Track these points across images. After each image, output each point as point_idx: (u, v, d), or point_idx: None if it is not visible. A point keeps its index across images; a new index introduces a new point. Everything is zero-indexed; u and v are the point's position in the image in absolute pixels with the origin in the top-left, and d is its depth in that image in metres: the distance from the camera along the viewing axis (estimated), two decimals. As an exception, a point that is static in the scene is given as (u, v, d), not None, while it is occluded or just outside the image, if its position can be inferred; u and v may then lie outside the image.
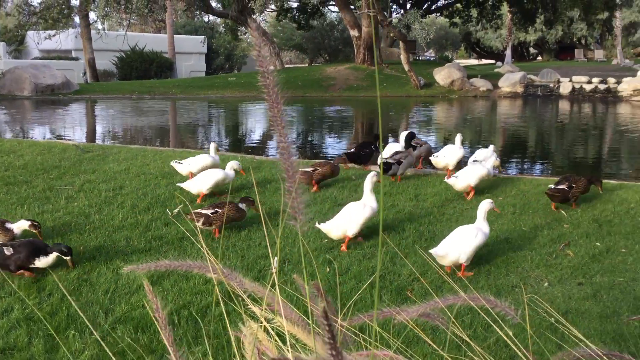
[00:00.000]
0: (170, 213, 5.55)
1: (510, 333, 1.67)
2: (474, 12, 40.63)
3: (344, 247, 4.83)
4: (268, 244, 4.29)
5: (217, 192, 6.27)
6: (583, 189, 5.94)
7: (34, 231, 4.69)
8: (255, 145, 13.13)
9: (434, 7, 39.63)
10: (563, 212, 5.77)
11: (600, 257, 4.58)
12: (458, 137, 7.61)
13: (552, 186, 5.90)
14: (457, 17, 41.84)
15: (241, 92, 26.91)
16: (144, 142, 12.68)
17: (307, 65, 61.08)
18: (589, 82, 26.78)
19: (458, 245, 4.31)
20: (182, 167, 6.80)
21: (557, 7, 35.55)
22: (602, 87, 26.26)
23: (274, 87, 0.87)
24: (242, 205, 5.18)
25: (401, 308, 1.55)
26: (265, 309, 1.45)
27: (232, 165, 6.31)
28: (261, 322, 1.44)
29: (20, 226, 4.68)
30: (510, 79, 27.82)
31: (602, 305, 3.76)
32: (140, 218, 5.47)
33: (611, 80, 26.37)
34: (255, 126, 17.21)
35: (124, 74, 37.13)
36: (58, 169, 7.36)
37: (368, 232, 5.20)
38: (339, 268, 4.41)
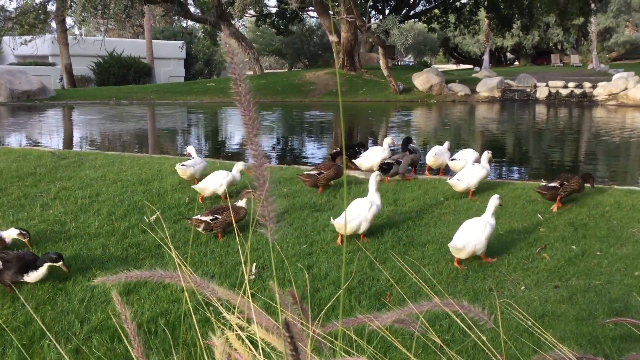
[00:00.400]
0: (147, 220, 5.50)
1: (484, 338, 1.68)
2: (452, 18, 41.06)
3: (339, 242, 5.09)
4: (248, 251, 4.27)
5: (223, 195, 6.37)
6: (577, 187, 6.12)
7: (23, 240, 4.62)
8: (234, 151, 13.08)
9: (412, 12, 39.94)
10: (539, 215, 5.83)
11: (576, 260, 4.64)
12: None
13: (543, 183, 6.22)
14: (435, 23, 42.25)
15: (220, 98, 26.81)
16: (121, 148, 12.57)
17: (286, 70, 61.09)
18: (565, 87, 27.15)
19: (473, 237, 4.57)
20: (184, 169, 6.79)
21: (533, 13, 36.05)
22: (578, 91, 26.65)
23: (246, 95, 0.87)
24: (242, 202, 5.26)
25: (375, 315, 1.55)
26: (239, 317, 1.44)
27: (238, 167, 6.48)
28: (234, 330, 1.43)
29: (10, 234, 4.61)
30: (488, 83, 28.12)
31: (578, 308, 3.80)
32: (117, 225, 5.41)
33: (587, 84, 26.77)
34: (234, 132, 17.15)
35: (101, 79, 36.83)
36: (33, 176, 7.26)
37: (350, 237, 5.21)
38: (318, 274, 4.41)
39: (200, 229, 5.06)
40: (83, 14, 28.35)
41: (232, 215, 5.04)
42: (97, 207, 5.98)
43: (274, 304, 1.65)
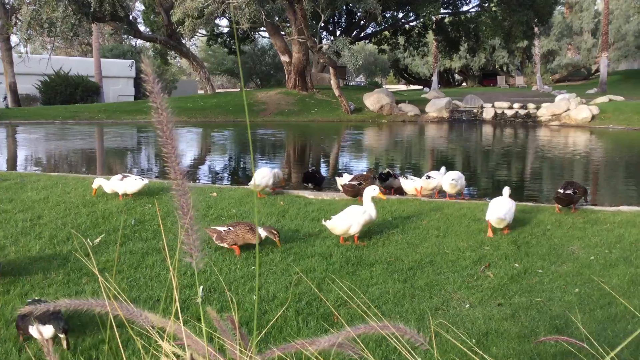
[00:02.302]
0: (91, 243, 5.37)
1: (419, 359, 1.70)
2: (401, 40, 41.91)
3: (342, 241, 5.66)
4: (197, 278, 4.21)
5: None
6: (583, 193, 7.03)
7: None
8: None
9: (362, 34, 40.55)
10: (484, 234, 5.96)
11: (519, 278, 4.74)
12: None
13: (561, 191, 6.87)
14: (385, 45, 43.04)
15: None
16: (68, 168, 12.26)
17: (238, 90, 60.90)
18: (511, 108, 27.98)
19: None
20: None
21: (479, 36, 37.14)
22: (522, 112, 27.48)
23: (168, 123, 0.86)
24: (261, 231, 5.29)
25: (313, 339, 1.55)
26: (173, 345, 1.42)
27: (277, 174, 7.82)
28: (167, 357, 1.40)
29: None
30: (437, 104, 28.72)
31: (520, 325, 3.88)
32: (59, 249, 5.26)
33: (531, 105, 27.65)
34: (181, 151, 16.97)
35: (47, 98, 35.93)
36: (-29, 198, 7.00)
37: (296, 257, 5.20)
38: (266, 295, 4.37)
39: (213, 239, 5.22)
40: (29, 31, 27.73)
41: (245, 231, 5.17)
42: (39, 230, 5.80)
43: (213, 333, 1.63)
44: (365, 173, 8.44)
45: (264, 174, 7.68)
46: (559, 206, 7.03)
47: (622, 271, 4.85)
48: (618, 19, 51.03)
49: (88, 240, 5.44)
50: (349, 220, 5.57)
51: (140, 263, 5.00)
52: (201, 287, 4.42)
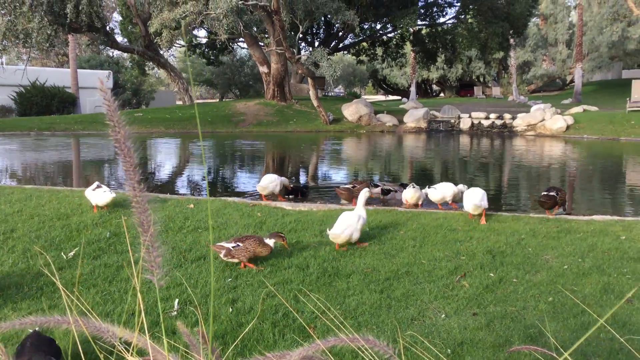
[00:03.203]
0: (65, 257, 5.31)
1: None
2: (379, 51, 42.28)
3: (339, 247, 5.83)
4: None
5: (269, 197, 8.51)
6: (564, 197, 7.58)
7: None
8: (159, 183, 12.84)
9: (341, 45, 40.81)
10: (460, 243, 6.00)
11: (494, 288, 4.78)
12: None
13: (544, 193, 7.44)
14: (364, 55, 43.37)
15: (148, 128, 26.38)
16: (43, 181, 12.11)
17: (217, 100, 60.83)
18: (487, 118, 28.29)
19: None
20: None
21: (456, 48, 37.62)
22: (498, 122, 27.81)
23: (126, 142, 0.87)
24: (269, 241, 5.29)
25: (284, 352, 1.55)
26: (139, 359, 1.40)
27: (283, 181, 8.60)
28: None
29: None
30: (415, 114, 28.94)
31: (495, 335, 3.91)
32: (32, 263, 5.19)
33: (507, 116, 27.99)
34: (158, 163, 16.87)
35: (23, 109, 35.50)
36: (-58, 212, 6.88)
37: (273, 269, 5.19)
38: (242, 308, 4.36)
39: (221, 255, 5.17)
40: (4, 42, 27.46)
41: (255, 244, 5.16)
42: (12, 244, 5.72)
43: (181, 347, 1.62)
44: (360, 181, 9.06)
45: (271, 179, 8.41)
46: (547, 210, 7.51)
47: (595, 280, 4.92)
48: (592, 31, 51.96)
49: (62, 253, 5.38)
50: (350, 229, 5.79)
51: (115, 276, 4.95)
52: (176, 300, 4.39)
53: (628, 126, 25.10)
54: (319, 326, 4.08)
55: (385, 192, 8.95)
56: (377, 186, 8.99)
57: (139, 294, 1.10)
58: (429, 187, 8.26)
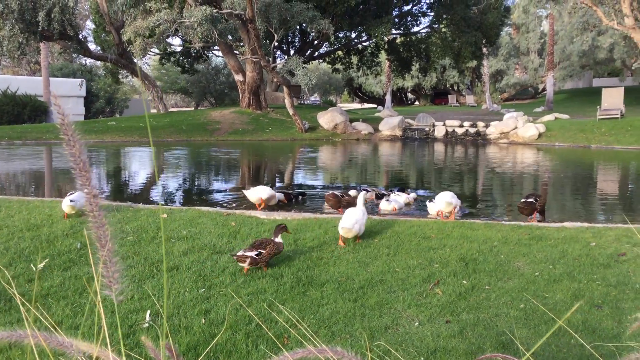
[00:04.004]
0: (35, 268, 5.21)
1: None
2: (355, 59, 42.49)
3: (342, 243, 6.24)
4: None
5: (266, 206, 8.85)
6: (544, 203, 7.75)
7: None
8: (133, 193, 12.71)
9: (316, 53, 40.93)
10: (433, 251, 6.04)
11: (467, 295, 4.81)
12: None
13: (523, 200, 7.66)
14: (339, 64, 43.53)
15: (121, 137, 26.11)
16: (14, 191, 11.90)
17: (192, 109, 60.49)
18: (461, 126, 28.60)
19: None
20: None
21: (430, 56, 37.97)
22: (472, 130, 28.11)
23: (81, 156, 0.85)
24: (279, 239, 5.60)
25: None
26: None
27: (280, 196, 9.13)
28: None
29: None
30: (390, 122, 29.12)
31: (467, 342, 3.93)
32: (0, 275, 5.08)
33: (480, 124, 28.31)
34: (132, 173, 16.70)
35: (-7, 118, 34.94)
36: None
37: (247, 279, 5.16)
38: (215, 318, 4.32)
39: (245, 265, 5.31)
40: (-27, 50, 27.00)
41: (274, 248, 5.44)
42: (-21, 256, 5.60)
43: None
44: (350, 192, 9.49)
45: (268, 191, 9.03)
46: (528, 216, 7.80)
47: (566, 286, 4.98)
48: (563, 40, 52.94)
49: (32, 265, 5.28)
50: (358, 224, 6.23)
51: (85, 288, 4.87)
52: (148, 312, 4.34)
53: (599, 134, 25.55)
54: (292, 336, 4.06)
55: (379, 196, 9.48)
56: (382, 195, 9.47)
57: (99, 306, 1.08)
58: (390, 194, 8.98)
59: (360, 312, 4.51)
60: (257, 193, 8.99)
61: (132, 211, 7.76)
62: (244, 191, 9.23)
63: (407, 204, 9.48)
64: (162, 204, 9.67)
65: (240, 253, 5.33)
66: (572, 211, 10.15)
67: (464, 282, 5.11)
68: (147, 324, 4.17)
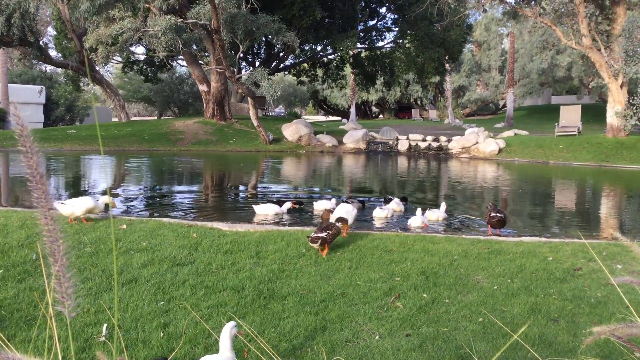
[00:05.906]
0: (-13, 280, 5.06)
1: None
2: (320, 72, 42.69)
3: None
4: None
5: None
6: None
7: None
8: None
9: (281, 65, 40.99)
10: (395, 264, 6.08)
11: (427, 308, 4.86)
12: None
13: (493, 214, 8.07)
14: (304, 76, 43.69)
15: (81, 146, 25.64)
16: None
17: (155, 118, 59.83)
18: (424, 140, 28.96)
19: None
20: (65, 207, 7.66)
21: (394, 71, 38.44)
22: (435, 144, 28.49)
23: (38, 169, 0.84)
24: (339, 224, 6.73)
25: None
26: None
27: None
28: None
29: None
30: (354, 135, 29.29)
31: (427, 356, 3.96)
32: (-50, 287, 4.91)
33: (443, 138, 28.72)
34: (91, 182, 16.39)
35: (-52, 124, 33.91)
36: None
37: (207, 291, 5.10)
38: (174, 332, 4.26)
39: (317, 245, 6.25)
40: None
41: (337, 230, 6.45)
42: None
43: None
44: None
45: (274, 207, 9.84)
46: (497, 229, 8.19)
47: (523, 300, 5.07)
48: (523, 58, 54.21)
49: (-17, 277, 5.12)
50: (351, 215, 7.65)
51: (40, 300, 4.75)
52: (105, 325, 4.25)
53: (556, 150, 26.18)
54: (252, 350, 4.03)
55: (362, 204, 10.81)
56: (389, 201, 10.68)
57: (50, 322, 1.06)
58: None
59: (322, 325, 4.50)
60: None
61: (91, 222, 7.61)
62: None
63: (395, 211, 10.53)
64: (114, 216, 9.51)
65: (313, 235, 6.27)
66: (530, 225, 10.35)
67: (425, 295, 5.16)
68: (103, 338, 4.08)
